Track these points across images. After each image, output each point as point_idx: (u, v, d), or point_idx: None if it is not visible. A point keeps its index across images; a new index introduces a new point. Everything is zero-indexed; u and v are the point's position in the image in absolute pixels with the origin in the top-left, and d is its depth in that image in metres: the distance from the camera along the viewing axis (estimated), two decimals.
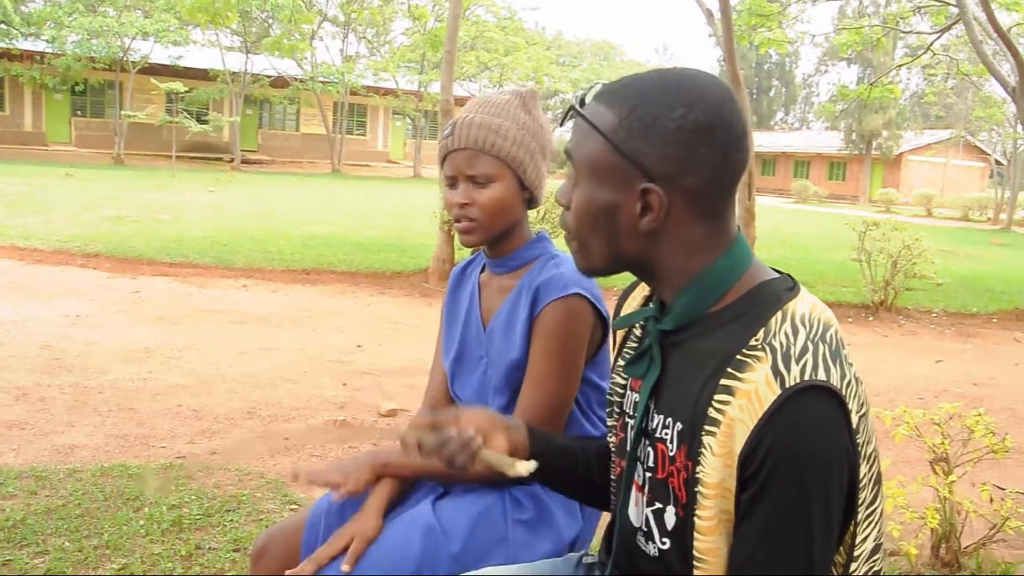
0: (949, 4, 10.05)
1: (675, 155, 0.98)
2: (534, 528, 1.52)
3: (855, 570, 1.00)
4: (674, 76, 1.02)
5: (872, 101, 12.77)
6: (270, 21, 32.56)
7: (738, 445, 0.93)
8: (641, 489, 1.10)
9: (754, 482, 0.92)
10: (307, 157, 34.75)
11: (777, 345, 0.95)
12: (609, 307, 1.59)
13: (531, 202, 1.62)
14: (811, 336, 0.96)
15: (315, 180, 25.55)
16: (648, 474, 1.08)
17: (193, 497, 3.16)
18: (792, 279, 1.05)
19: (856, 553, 0.99)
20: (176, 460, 3.62)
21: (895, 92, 14.79)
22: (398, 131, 40.32)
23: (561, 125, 1.14)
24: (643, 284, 1.23)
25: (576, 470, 1.26)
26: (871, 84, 12.83)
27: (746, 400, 0.93)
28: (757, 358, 0.94)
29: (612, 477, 1.23)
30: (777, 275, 1.06)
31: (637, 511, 1.11)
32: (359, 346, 6.19)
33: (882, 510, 1.01)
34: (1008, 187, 29.75)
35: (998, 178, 36.06)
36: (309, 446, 3.97)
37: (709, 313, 1.03)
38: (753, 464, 0.92)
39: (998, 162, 35.87)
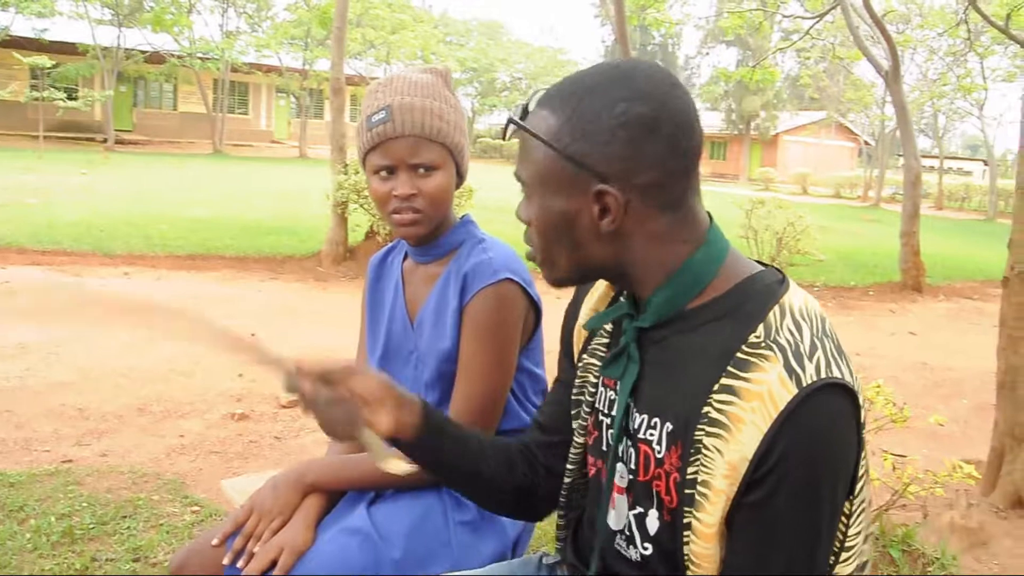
0: None
1: (622, 153, 0.94)
2: (477, 529, 1.46)
3: (846, 560, 0.98)
4: (614, 71, 0.98)
5: (753, 84, 13.15)
6: None
7: (749, 448, 0.89)
8: (623, 491, 1.05)
9: (763, 484, 0.89)
10: (186, 137, 33.28)
11: (784, 343, 0.91)
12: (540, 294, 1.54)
13: (458, 186, 1.55)
14: (815, 331, 0.93)
15: (196, 161, 24.51)
16: (631, 476, 1.04)
17: (84, 504, 2.95)
18: (780, 271, 1.02)
19: (849, 544, 0.98)
20: (62, 465, 3.38)
21: (775, 75, 15.32)
22: (282, 110, 39.11)
23: (504, 139, 1.08)
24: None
25: (462, 463, 1.16)
26: (753, 67, 13.22)
27: (758, 402, 0.89)
28: (764, 356, 0.91)
29: (567, 480, 1.18)
30: (762, 267, 1.02)
31: (617, 514, 1.07)
32: (253, 334, 5.94)
33: (869, 500, 1.00)
34: (876, 166, 31.40)
35: (867, 158, 38.06)
36: (207, 443, 3.79)
37: (691, 308, 0.99)
38: (766, 466, 0.88)
39: (867, 142, 37.76)
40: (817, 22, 11.99)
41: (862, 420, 0.93)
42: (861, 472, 0.95)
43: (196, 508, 3.03)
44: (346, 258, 9.12)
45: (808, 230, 9.10)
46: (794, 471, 0.88)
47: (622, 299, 1.10)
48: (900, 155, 35.64)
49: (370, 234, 9.12)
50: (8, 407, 4.04)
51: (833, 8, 10.55)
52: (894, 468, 2.78)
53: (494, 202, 11.55)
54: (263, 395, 4.54)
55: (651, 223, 0.97)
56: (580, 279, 1.05)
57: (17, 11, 26.45)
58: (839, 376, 0.90)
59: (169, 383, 4.63)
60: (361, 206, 8.80)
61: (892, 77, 9.79)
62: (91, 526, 2.79)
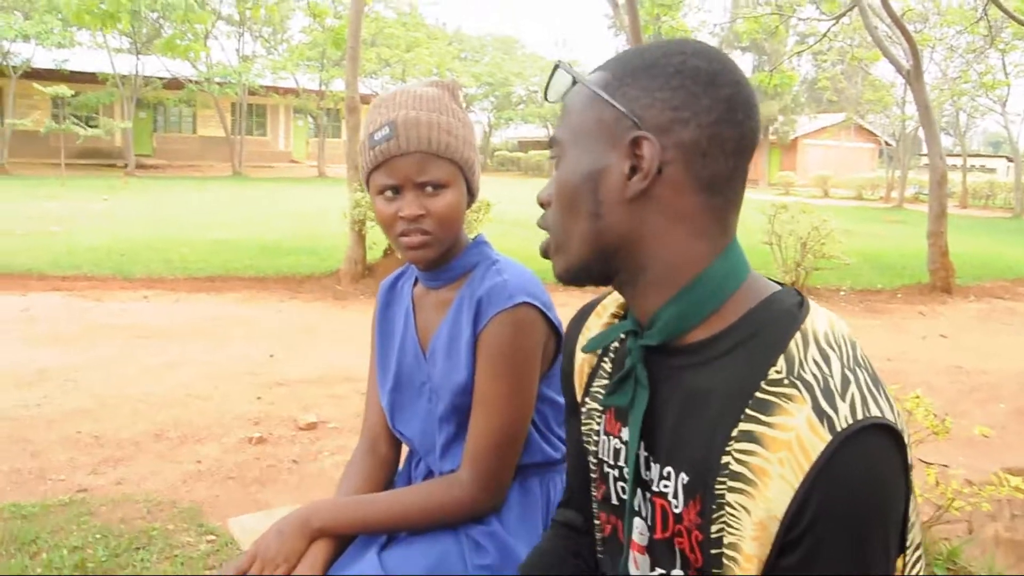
0: None
1: (671, 100, 0.84)
2: (499, 572, 1.34)
3: None
4: (672, 41, 0.89)
5: (772, 88, 13.00)
6: (161, 21, 31.26)
7: (779, 506, 0.76)
8: (643, 551, 0.93)
9: (800, 545, 0.76)
10: (206, 160, 33.55)
11: (811, 378, 0.78)
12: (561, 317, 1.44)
13: (470, 204, 1.45)
14: (846, 361, 0.80)
15: (215, 183, 24.66)
16: (650, 533, 0.92)
17: (98, 536, 2.88)
18: (798, 292, 0.90)
19: None
20: (77, 495, 3.32)
21: (793, 79, 15.14)
22: (300, 130, 39.34)
23: (546, 96, 0.95)
24: (603, 304, 1.07)
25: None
26: (771, 71, 13.08)
27: (786, 452, 0.76)
28: (788, 397, 0.78)
29: (599, 536, 1.06)
30: (778, 286, 0.90)
31: (639, 574, 0.95)
32: (272, 355, 5.90)
33: (923, 548, 0.87)
34: (898, 167, 31.03)
35: (887, 159, 37.65)
36: (224, 469, 3.71)
37: (704, 338, 0.87)
38: (800, 525, 0.75)
39: (887, 143, 37.38)
40: (834, 24, 11.84)
41: (909, 461, 0.79)
42: (912, 520, 0.82)
43: (212, 538, 2.95)
44: (364, 276, 9.08)
45: (832, 234, 8.93)
46: (835, 532, 0.75)
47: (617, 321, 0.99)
48: (921, 155, 35.38)
49: (388, 252, 9.07)
50: (25, 436, 3.99)
51: (850, 9, 10.41)
52: (937, 483, 2.64)
53: (511, 216, 11.47)
54: (281, 418, 4.46)
55: (683, 198, 0.85)
56: (590, 265, 0.90)
57: (38, 43, 26.84)
58: (879, 415, 0.76)
59: (186, 407, 4.57)
60: (378, 224, 8.76)
61: (914, 76, 9.62)
62: (104, 559, 2.72)
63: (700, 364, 0.86)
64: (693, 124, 0.84)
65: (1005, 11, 9.39)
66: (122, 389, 4.86)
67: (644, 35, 9.15)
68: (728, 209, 0.88)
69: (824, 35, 12.94)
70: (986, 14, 12.41)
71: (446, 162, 1.36)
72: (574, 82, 0.91)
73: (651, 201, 0.85)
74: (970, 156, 36.29)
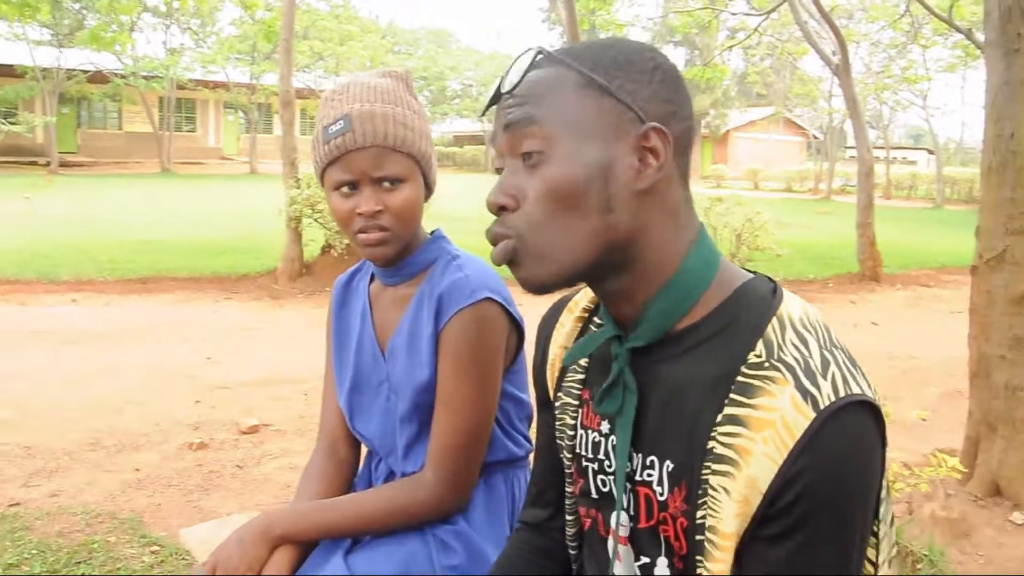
0: None
1: (662, 93, 0.86)
2: (467, 572, 1.32)
3: None
4: (611, 38, 0.92)
5: (704, 82, 13.21)
6: (84, 12, 30.22)
7: (763, 482, 0.77)
8: (626, 542, 0.93)
9: (782, 519, 0.77)
10: (133, 157, 32.60)
11: (791, 360, 0.80)
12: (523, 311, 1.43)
13: (427, 198, 1.43)
14: (823, 343, 0.82)
15: (144, 181, 23.99)
16: (632, 523, 0.92)
17: (34, 551, 2.77)
18: (771, 279, 0.91)
19: (880, 561, 0.88)
20: (9, 509, 3.18)
21: (724, 72, 15.40)
22: (230, 126, 38.52)
23: (518, 83, 0.87)
24: (575, 300, 1.06)
25: None
26: (704, 65, 13.29)
27: (771, 431, 0.77)
28: (770, 379, 0.79)
29: (571, 531, 1.05)
30: (751, 274, 0.91)
31: (623, 567, 0.94)
32: (209, 358, 5.76)
33: (892, 519, 0.90)
34: (825, 159, 31.86)
35: (815, 151, 38.61)
36: (164, 477, 3.61)
37: (683, 328, 0.87)
38: (783, 499, 0.77)
39: (815, 136, 38.32)
40: (764, 19, 12.08)
41: (885, 435, 0.82)
42: (883, 493, 0.85)
43: (155, 548, 2.86)
44: (302, 274, 8.94)
45: (766, 226, 9.14)
46: (820, 503, 0.77)
47: (596, 322, 0.99)
48: (847, 147, 36.36)
49: (326, 249, 8.94)
50: None
51: (780, 4, 10.63)
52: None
53: (452, 212, 11.42)
54: (222, 422, 4.36)
55: (673, 191, 0.87)
56: (578, 271, 0.87)
57: None
58: (859, 392, 0.79)
59: (122, 414, 4.43)
60: (316, 220, 8.62)
61: (842, 70, 9.87)
62: (42, 575, 2.61)
63: (680, 354, 0.87)
64: (680, 117, 0.87)
65: (927, 7, 9.71)
66: (52, 397, 4.69)
67: (580, 29, 9.19)
68: (691, 200, 0.91)
69: (755, 30, 13.19)
70: (908, 10, 12.81)
71: (403, 156, 1.34)
72: (569, 71, 0.86)
73: (654, 194, 0.86)
74: (893, 149, 37.51)
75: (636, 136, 0.84)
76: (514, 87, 0.88)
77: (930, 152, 35.89)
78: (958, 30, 10.11)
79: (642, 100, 0.85)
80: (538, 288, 0.88)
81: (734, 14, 12.92)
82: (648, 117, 0.85)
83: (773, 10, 11.03)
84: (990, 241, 3.38)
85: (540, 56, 0.88)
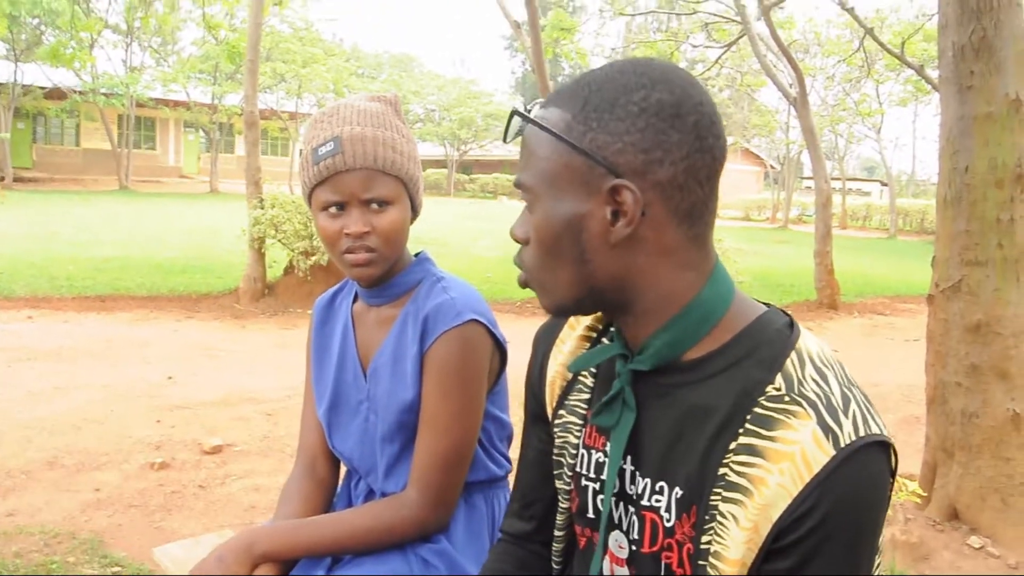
0: (734, 21, 10.76)
1: (642, 143, 0.83)
2: None
3: None
4: (628, 64, 0.88)
5: None
6: (43, 28, 29.81)
7: (776, 511, 0.79)
8: (623, 563, 0.94)
9: (792, 553, 0.79)
10: (90, 174, 32.06)
11: (812, 396, 0.81)
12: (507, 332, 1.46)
13: (413, 220, 1.45)
14: (842, 381, 0.84)
15: (101, 198, 23.61)
16: (633, 547, 0.93)
17: None
18: (786, 313, 0.92)
19: None
20: None
21: None
22: (191, 145, 38.12)
23: (505, 140, 0.94)
24: (570, 322, 1.08)
25: None
26: None
27: (788, 463, 0.79)
28: (791, 412, 0.81)
29: (558, 546, 1.07)
30: (765, 307, 0.93)
31: None
32: (170, 377, 5.68)
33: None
34: (782, 189, 32.49)
35: (772, 181, 39.34)
36: (126, 497, 3.55)
37: (699, 356, 0.88)
38: (798, 531, 0.78)
39: (772, 166, 39.04)
40: (725, 52, 12.35)
41: (896, 473, 0.85)
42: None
43: (117, 568, 2.82)
44: (265, 295, 8.86)
45: (727, 253, 9.29)
46: (832, 539, 0.78)
47: (604, 341, 1.00)
48: (804, 177, 37.05)
49: (289, 270, 8.88)
50: None
51: (740, 38, 10.88)
52: None
53: (427, 235, 11.42)
54: (184, 442, 4.30)
55: (666, 234, 0.85)
56: (581, 305, 0.91)
57: None
58: (877, 431, 0.81)
59: (81, 433, 4.35)
60: (279, 241, 8.56)
61: (800, 102, 10.11)
62: None
63: (696, 382, 0.88)
64: (667, 162, 0.84)
65: (880, 43, 10.02)
66: (8, 414, 4.59)
67: (544, 57, 9.30)
68: (707, 233, 0.89)
69: (715, 62, 13.47)
70: (863, 46, 13.18)
71: (392, 179, 1.36)
72: (536, 127, 0.89)
73: (636, 242, 0.86)
74: (848, 180, 38.32)
75: (606, 192, 0.84)
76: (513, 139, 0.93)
77: (883, 184, 36.75)
78: (910, 66, 10.44)
79: (613, 153, 0.83)
80: (550, 312, 0.95)
81: (695, 46, 13.20)
82: (620, 170, 0.83)
83: (733, 43, 11.29)
84: (946, 271, 3.49)
85: (519, 112, 0.90)
